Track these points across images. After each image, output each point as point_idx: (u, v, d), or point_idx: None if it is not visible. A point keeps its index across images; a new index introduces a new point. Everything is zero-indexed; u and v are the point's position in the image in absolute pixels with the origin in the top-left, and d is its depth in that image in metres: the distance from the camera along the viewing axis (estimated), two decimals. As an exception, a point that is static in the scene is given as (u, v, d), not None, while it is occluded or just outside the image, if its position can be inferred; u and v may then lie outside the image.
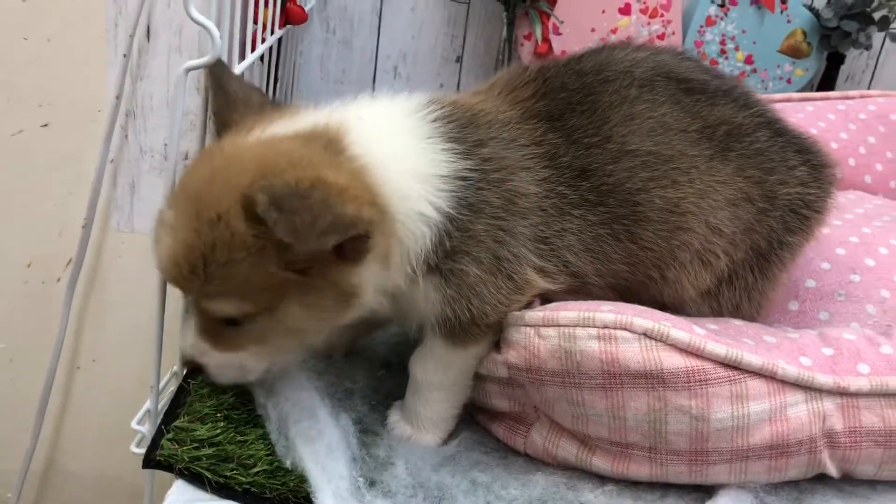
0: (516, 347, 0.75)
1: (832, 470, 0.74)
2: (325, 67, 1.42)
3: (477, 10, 1.56)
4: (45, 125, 1.31)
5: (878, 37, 1.51)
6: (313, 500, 0.72)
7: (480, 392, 0.83)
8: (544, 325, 0.74)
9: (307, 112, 0.76)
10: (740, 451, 0.72)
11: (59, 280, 1.41)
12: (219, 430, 0.77)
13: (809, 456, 0.72)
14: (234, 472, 0.73)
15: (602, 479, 0.77)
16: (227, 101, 0.78)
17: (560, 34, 1.51)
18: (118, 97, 1.23)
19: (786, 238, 0.83)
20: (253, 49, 0.97)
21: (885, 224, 1.02)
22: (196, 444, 0.75)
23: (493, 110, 0.78)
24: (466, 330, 0.76)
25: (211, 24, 0.70)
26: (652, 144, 0.77)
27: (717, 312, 0.84)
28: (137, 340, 1.41)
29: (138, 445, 1.04)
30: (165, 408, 0.81)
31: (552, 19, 1.50)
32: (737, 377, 0.71)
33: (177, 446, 0.75)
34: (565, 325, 0.73)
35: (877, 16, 1.50)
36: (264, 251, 0.66)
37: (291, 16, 1.15)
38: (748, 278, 0.83)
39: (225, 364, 0.75)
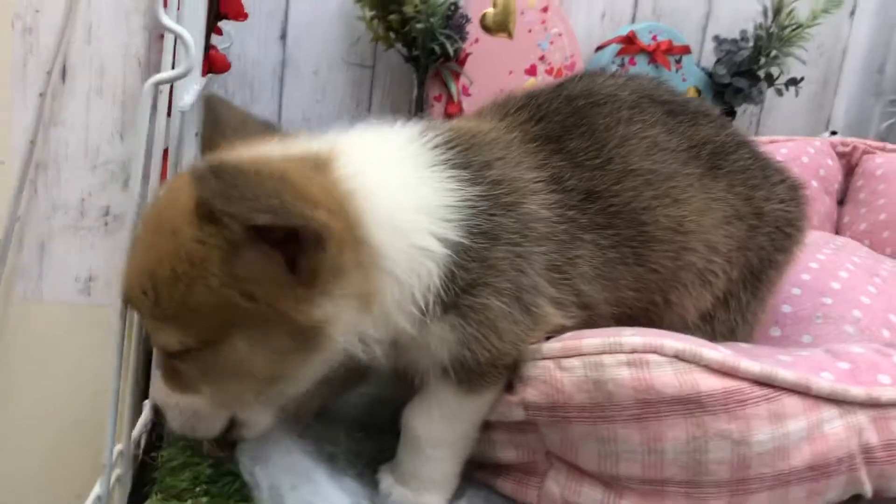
0: (535, 384, 0.68)
1: (867, 488, 0.70)
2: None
3: (382, 74, 1.54)
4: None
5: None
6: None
7: (484, 444, 0.75)
8: (566, 356, 0.67)
9: (304, 138, 0.68)
10: (782, 475, 0.67)
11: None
12: (201, 508, 0.64)
13: (848, 475, 0.69)
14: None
15: (632, 524, 0.70)
16: (215, 127, 0.70)
17: (469, 94, 1.50)
18: (32, 141, 1.07)
19: (774, 256, 0.82)
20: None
21: (834, 251, 1.05)
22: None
23: (494, 131, 0.73)
24: (483, 373, 0.69)
25: (184, 32, 0.61)
26: (651, 164, 0.75)
27: (712, 336, 0.81)
28: (48, 426, 1.19)
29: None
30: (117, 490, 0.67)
31: (462, 79, 1.50)
32: (772, 395, 0.67)
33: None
34: (590, 354, 0.67)
35: (763, 73, 1.60)
36: (207, 262, 0.58)
37: (214, 63, 1.06)
38: (742, 298, 0.81)
39: (184, 409, 0.66)
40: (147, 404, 0.86)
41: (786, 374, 0.67)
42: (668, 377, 0.65)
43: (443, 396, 0.70)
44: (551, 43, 1.53)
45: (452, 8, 1.36)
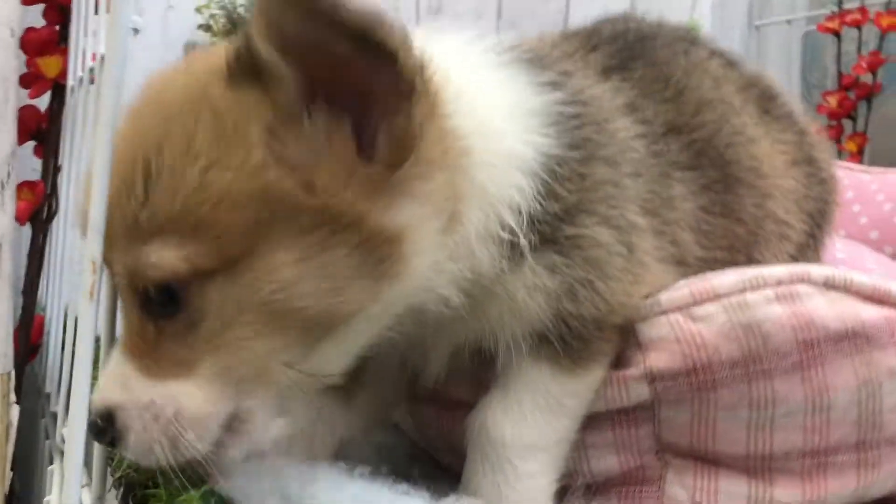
0: (662, 345, 0.53)
1: None
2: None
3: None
4: None
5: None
6: None
7: (573, 457, 0.58)
8: (697, 303, 0.53)
9: None
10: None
11: None
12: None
13: None
14: None
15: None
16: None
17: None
18: None
19: (828, 207, 0.75)
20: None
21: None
22: None
23: (556, 50, 0.60)
24: (589, 338, 0.52)
25: None
26: (721, 96, 0.65)
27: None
28: None
29: None
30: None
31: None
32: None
33: None
34: (729, 294, 0.53)
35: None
36: (244, 132, 0.41)
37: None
38: (808, 254, 0.72)
39: (161, 408, 0.44)
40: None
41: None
42: (824, 309, 0.53)
43: (535, 380, 0.53)
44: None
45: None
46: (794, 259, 0.70)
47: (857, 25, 1.68)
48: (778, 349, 0.52)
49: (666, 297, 0.55)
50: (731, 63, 0.71)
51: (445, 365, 0.58)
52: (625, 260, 0.53)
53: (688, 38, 0.69)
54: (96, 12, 0.81)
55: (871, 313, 0.54)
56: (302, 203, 0.42)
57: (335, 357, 0.48)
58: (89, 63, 0.83)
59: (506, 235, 0.49)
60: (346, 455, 0.64)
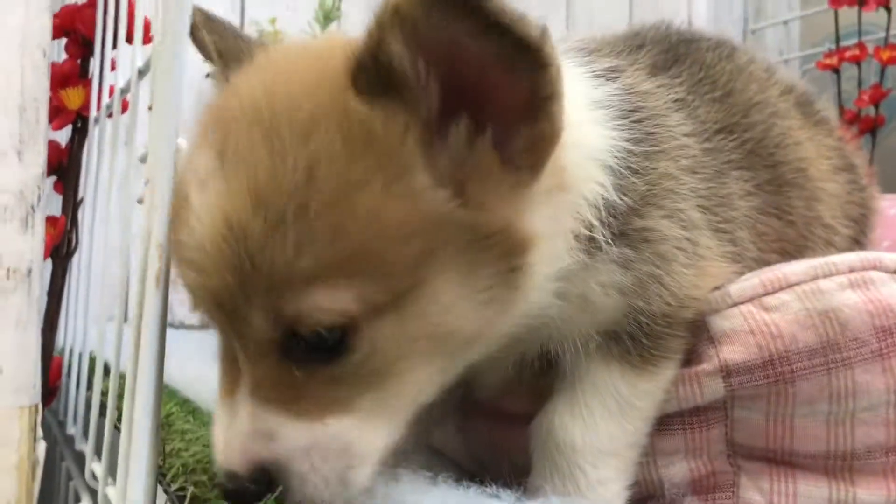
0: (736, 337, 0.51)
1: None
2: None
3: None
4: None
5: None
6: None
7: (642, 464, 0.55)
8: (769, 293, 0.52)
9: None
10: None
11: None
12: None
13: None
14: None
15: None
16: (221, 36, 0.51)
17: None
18: None
19: (868, 214, 0.73)
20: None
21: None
22: None
23: (604, 48, 0.60)
24: (659, 335, 0.51)
25: None
26: (768, 98, 0.65)
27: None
28: None
29: None
30: None
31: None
32: None
33: None
34: (801, 282, 0.52)
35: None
36: (399, 150, 0.39)
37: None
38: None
39: (323, 450, 0.41)
40: None
41: None
42: (899, 296, 0.51)
43: (604, 382, 0.51)
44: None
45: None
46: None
47: (857, 61, 1.70)
48: (857, 336, 0.50)
49: (736, 289, 0.53)
50: (769, 68, 0.71)
51: (504, 376, 0.56)
52: (689, 254, 0.51)
53: (729, 43, 0.69)
54: (115, 46, 0.80)
55: (945, 299, 0.52)
56: (459, 221, 0.39)
57: (455, 374, 0.46)
58: (106, 98, 0.82)
59: (585, 231, 0.47)
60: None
